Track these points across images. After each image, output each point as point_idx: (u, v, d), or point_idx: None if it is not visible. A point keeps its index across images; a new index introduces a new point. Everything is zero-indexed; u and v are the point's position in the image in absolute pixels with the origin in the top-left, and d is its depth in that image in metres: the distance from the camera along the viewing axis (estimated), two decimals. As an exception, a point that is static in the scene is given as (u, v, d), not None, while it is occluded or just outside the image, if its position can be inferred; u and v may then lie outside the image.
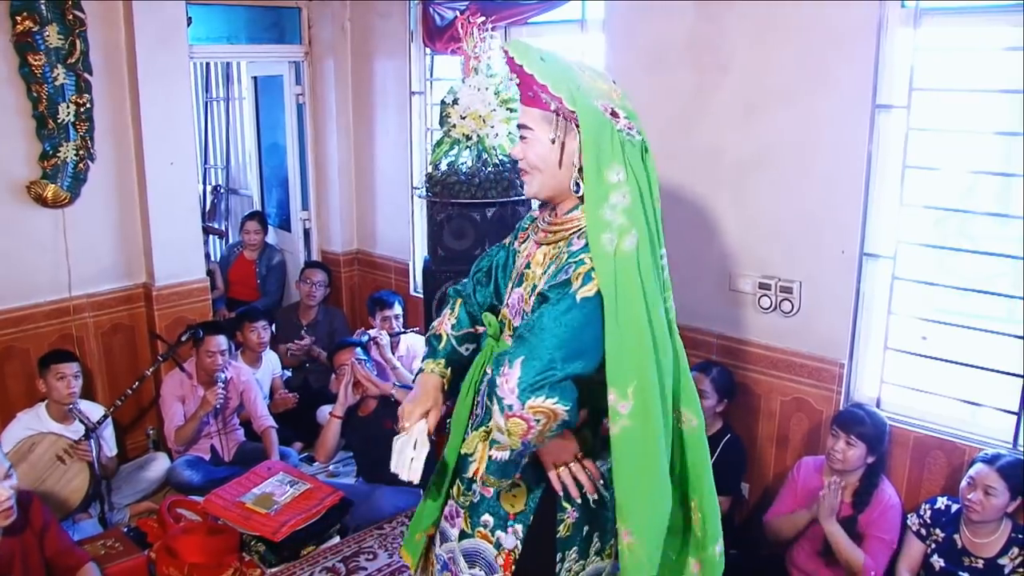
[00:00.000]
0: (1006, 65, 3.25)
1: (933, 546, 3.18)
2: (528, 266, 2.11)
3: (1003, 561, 3.01)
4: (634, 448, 1.91)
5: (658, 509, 1.97)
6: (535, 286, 2.04)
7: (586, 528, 2.14)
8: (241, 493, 3.98)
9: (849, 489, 3.37)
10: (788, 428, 3.81)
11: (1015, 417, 3.23)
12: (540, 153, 2.01)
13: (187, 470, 4.52)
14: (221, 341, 4.63)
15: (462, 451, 2.13)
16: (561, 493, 2.05)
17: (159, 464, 4.65)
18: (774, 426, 3.86)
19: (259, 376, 5.06)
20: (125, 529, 4.05)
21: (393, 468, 2.07)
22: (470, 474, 2.04)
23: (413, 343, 5.11)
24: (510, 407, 1.83)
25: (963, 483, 3.07)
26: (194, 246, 5.08)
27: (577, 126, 1.93)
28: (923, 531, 3.22)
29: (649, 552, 1.97)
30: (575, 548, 2.13)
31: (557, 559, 2.11)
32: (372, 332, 4.98)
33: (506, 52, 2.00)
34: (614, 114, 1.94)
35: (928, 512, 3.23)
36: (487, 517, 2.16)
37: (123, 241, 4.83)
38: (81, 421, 4.12)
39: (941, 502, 3.22)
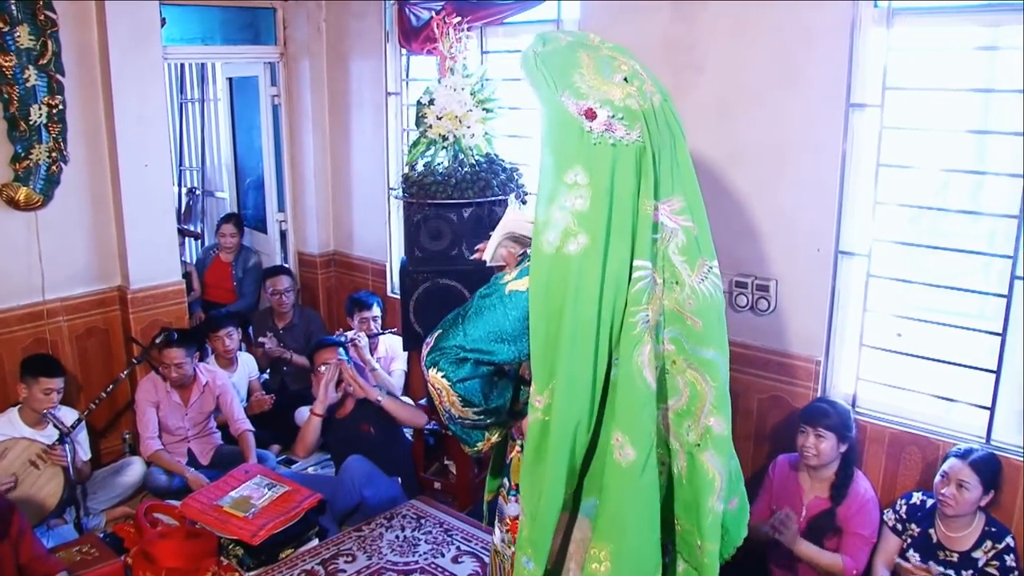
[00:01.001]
0: (978, 64, 3.30)
1: (909, 541, 3.22)
2: None
3: (977, 554, 3.05)
4: (541, 440, 1.94)
5: (544, 499, 1.94)
6: None
7: None
8: (218, 497, 3.95)
9: (825, 484, 3.40)
10: (765, 425, 3.84)
11: (988, 412, 3.27)
12: None
13: (164, 474, 4.50)
14: (178, 354, 4.58)
15: None
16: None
17: (135, 468, 4.61)
18: (751, 424, 3.88)
19: (236, 379, 5.04)
20: (101, 535, 4.01)
21: None
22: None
23: (392, 344, 5.11)
24: (424, 371, 1.99)
25: (937, 478, 3.11)
26: (169, 248, 5.04)
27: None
28: (899, 526, 3.26)
29: (532, 534, 1.98)
30: None
31: None
32: (350, 334, 4.96)
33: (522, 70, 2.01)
34: (589, 114, 1.86)
35: (903, 507, 3.26)
36: (506, 481, 2.27)
37: (97, 244, 4.79)
38: (55, 426, 4.08)
39: (916, 497, 3.25)
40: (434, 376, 1.98)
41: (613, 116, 1.86)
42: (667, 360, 1.99)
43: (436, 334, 2.00)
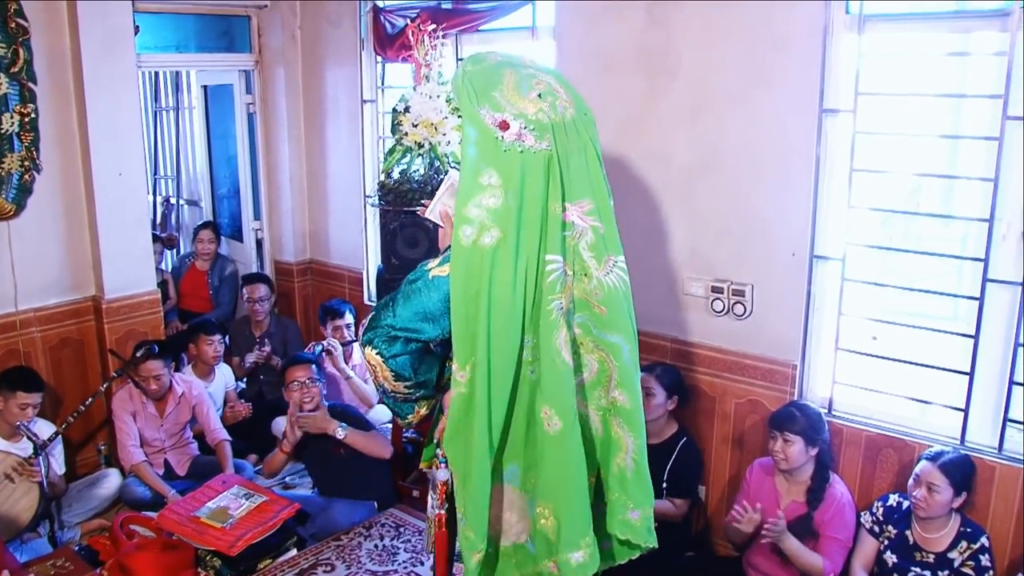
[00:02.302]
0: (949, 70, 3.34)
1: (886, 542, 3.24)
2: None
3: (952, 555, 3.08)
4: (463, 410, 2.21)
5: (473, 464, 2.21)
6: None
7: None
8: (195, 508, 3.92)
9: (801, 487, 3.41)
10: (743, 430, 3.85)
11: (962, 414, 3.30)
12: None
13: (140, 486, 4.45)
14: (156, 366, 4.53)
15: None
16: None
17: (111, 481, 4.57)
18: (729, 428, 3.89)
19: (212, 389, 5.00)
20: (76, 548, 3.97)
21: None
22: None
23: (367, 352, 5.08)
24: (361, 348, 2.27)
25: (910, 481, 3.14)
26: (144, 258, 5.00)
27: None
28: (876, 528, 3.28)
29: (463, 494, 2.26)
30: None
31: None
32: (325, 343, 4.94)
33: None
34: (503, 125, 2.12)
35: (880, 509, 3.29)
36: (437, 451, 2.49)
37: (71, 253, 4.74)
38: (30, 438, 4.03)
39: (893, 499, 3.28)
40: (369, 353, 2.28)
41: (525, 127, 2.13)
42: (576, 342, 2.29)
43: (371, 316, 2.29)
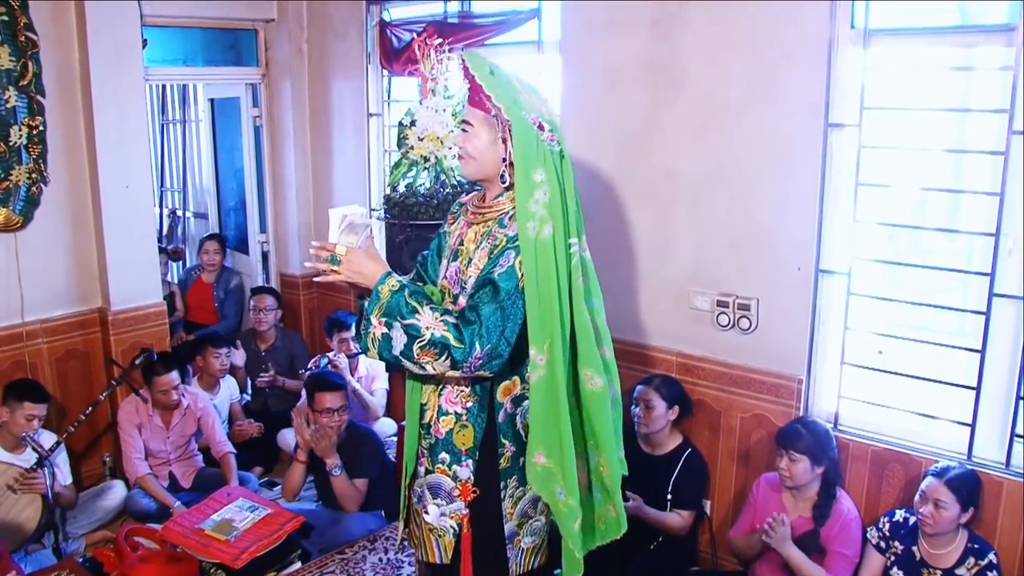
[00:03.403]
0: (954, 84, 3.34)
1: (892, 558, 3.22)
2: (462, 243, 2.52)
3: (960, 571, 3.05)
4: (547, 390, 2.37)
5: (565, 436, 2.38)
6: (471, 259, 2.46)
7: (522, 459, 2.52)
8: (200, 520, 3.92)
9: (808, 503, 3.40)
10: (748, 444, 3.84)
11: (968, 429, 3.29)
12: (477, 147, 2.42)
13: (145, 497, 4.45)
14: (173, 378, 4.54)
15: (421, 400, 2.58)
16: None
17: (116, 492, 4.57)
18: (734, 442, 3.88)
19: (217, 401, 5.00)
20: (80, 559, 3.95)
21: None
22: (425, 420, 2.56)
23: (372, 364, 5.09)
24: (461, 369, 2.29)
25: (916, 496, 3.12)
26: (150, 270, 5.02)
27: (511, 132, 2.33)
28: (882, 544, 3.26)
29: (562, 468, 2.40)
30: (515, 476, 2.53)
31: (500, 486, 2.52)
32: (331, 355, 4.95)
33: (463, 60, 2.40)
34: (540, 126, 2.34)
35: (887, 525, 3.27)
36: (444, 455, 2.53)
37: (77, 265, 4.76)
38: (34, 449, 4.04)
39: (899, 515, 3.26)
40: (480, 372, 2.34)
41: (551, 129, 2.36)
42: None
43: (485, 348, 2.28)
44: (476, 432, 2.51)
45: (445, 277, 2.56)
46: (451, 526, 2.55)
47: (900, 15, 3.32)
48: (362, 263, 2.39)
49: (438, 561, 2.59)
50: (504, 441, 2.53)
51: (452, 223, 2.66)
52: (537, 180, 2.31)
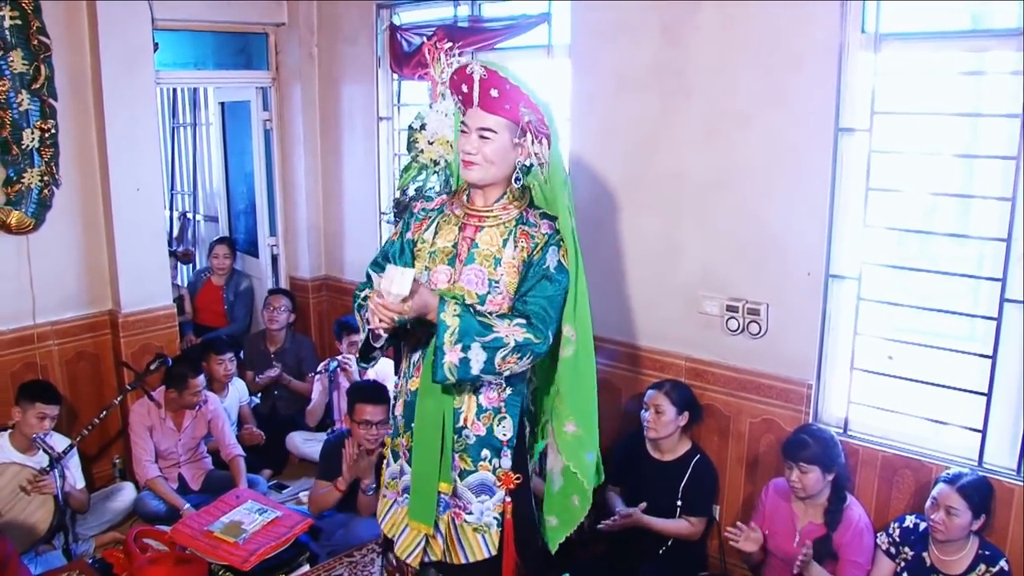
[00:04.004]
0: (965, 89, 3.33)
1: (903, 564, 3.21)
2: (475, 246, 2.58)
3: (971, 578, 3.04)
4: (582, 362, 2.65)
5: (593, 402, 2.73)
6: (498, 259, 2.56)
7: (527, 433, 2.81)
8: (209, 522, 3.93)
9: (818, 509, 3.39)
10: (757, 449, 3.83)
11: (979, 435, 3.27)
12: (499, 152, 2.51)
13: (154, 499, 4.47)
14: (200, 381, 4.59)
15: (455, 405, 2.61)
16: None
17: (126, 494, 4.59)
18: (743, 448, 3.88)
19: (226, 404, 5.01)
20: (90, 560, 3.97)
21: (382, 286, 2.34)
22: (459, 424, 2.61)
23: (381, 367, 5.08)
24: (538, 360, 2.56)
25: (927, 503, 3.11)
26: (160, 273, 5.04)
27: (547, 137, 2.50)
28: (892, 549, 3.25)
29: (589, 432, 2.73)
30: (531, 452, 2.86)
31: (529, 466, 2.80)
32: (340, 358, 4.95)
33: (492, 69, 2.46)
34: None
35: (897, 531, 3.25)
36: (485, 451, 2.63)
37: (88, 268, 4.78)
38: (46, 451, 4.05)
39: (909, 520, 3.24)
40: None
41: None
42: None
43: (549, 331, 2.52)
44: (514, 421, 2.65)
45: (460, 281, 2.57)
46: (495, 518, 2.66)
47: (911, 19, 3.31)
48: (426, 298, 2.40)
49: (486, 555, 2.66)
50: (527, 422, 2.75)
51: (424, 228, 2.69)
52: (567, 180, 2.60)
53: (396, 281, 2.31)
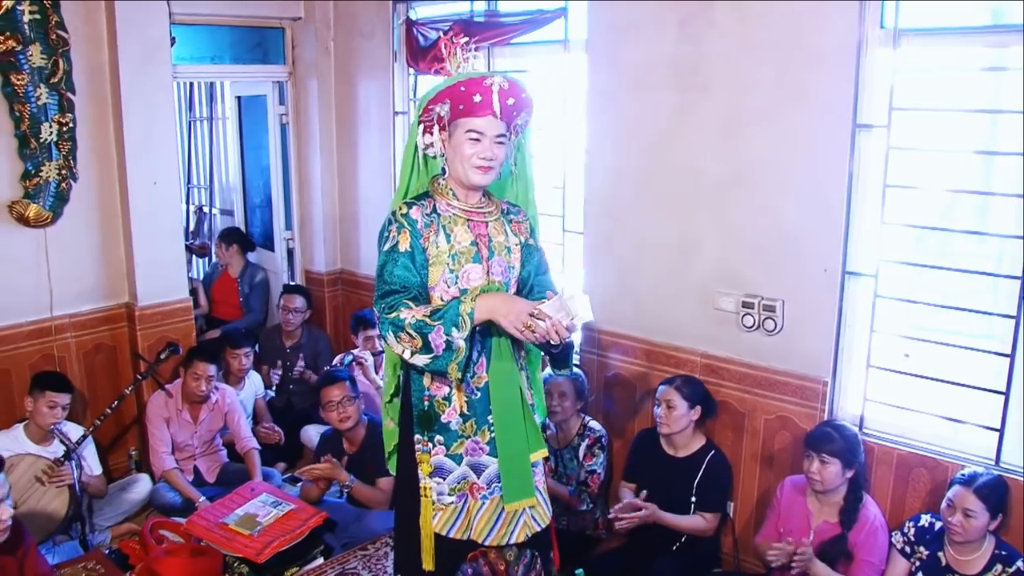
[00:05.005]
0: (984, 85, 3.30)
1: (917, 564, 3.19)
2: (490, 241, 2.72)
3: (987, 578, 3.02)
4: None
5: None
6: (509, 248, 2.76)
7: None
8: (224, 514, 3.95)
9: (834, 508, 3.37)
10: (772, 446, 3.82)
11: (997, 434, 3.25)
12: (504, 155, 2.70)
13: (170, 491, 4.49)
14: (210, 368, 4.58)
15: (520, 385, 2.78)
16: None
17: (141, 486, 4.61)
18: (758, 444, 3.86)
19: (242, 397, 5.03)
20: (107, 551, 4.00)
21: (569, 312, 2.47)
22: (529, 401, 2.84)
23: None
24: None
25: (943, 504, 3.08)
26: (177, 266, 5.06)
27: (523, 141, 2.86)
28: (907, 549, 3.23)
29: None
30: None
31: None
32: (355, 352, 4.95)
33: (515, 83, 2.65)
34: None
35: (912, 530, 3.23)
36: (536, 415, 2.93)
37: (105, 261, 4.81)
38: (62, 442, 4.08)
39: (925, 519, 3.22)
40: None
41: None
42: None
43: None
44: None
45: (490, 275, 2.71)
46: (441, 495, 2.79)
47: (930, 15, 3.28)
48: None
49: (549, 518, 2.90)
50: None
51: (433, 233, 2.67)
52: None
53: (583, 308, 2.49)
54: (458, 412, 2.72)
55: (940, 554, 3.12)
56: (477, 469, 2.76)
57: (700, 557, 3.81)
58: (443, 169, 2.76)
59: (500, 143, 2.64)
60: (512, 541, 2.78)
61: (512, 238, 2.78)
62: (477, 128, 2.62)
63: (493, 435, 2.73)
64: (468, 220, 2.70)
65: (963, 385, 3.34)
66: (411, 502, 2.78)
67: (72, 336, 4.73)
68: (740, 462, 3.93)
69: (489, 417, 2.73)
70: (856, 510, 3.32)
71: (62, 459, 4.06)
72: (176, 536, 3.98)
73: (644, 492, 3.76)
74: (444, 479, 2.74)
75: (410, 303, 2.58)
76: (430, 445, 2.74)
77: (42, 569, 3.23)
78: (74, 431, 4.25)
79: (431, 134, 2.70)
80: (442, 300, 2.64)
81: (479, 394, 2.72)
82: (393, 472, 3.02)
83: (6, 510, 2.87)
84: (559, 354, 2.68)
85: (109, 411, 4.38)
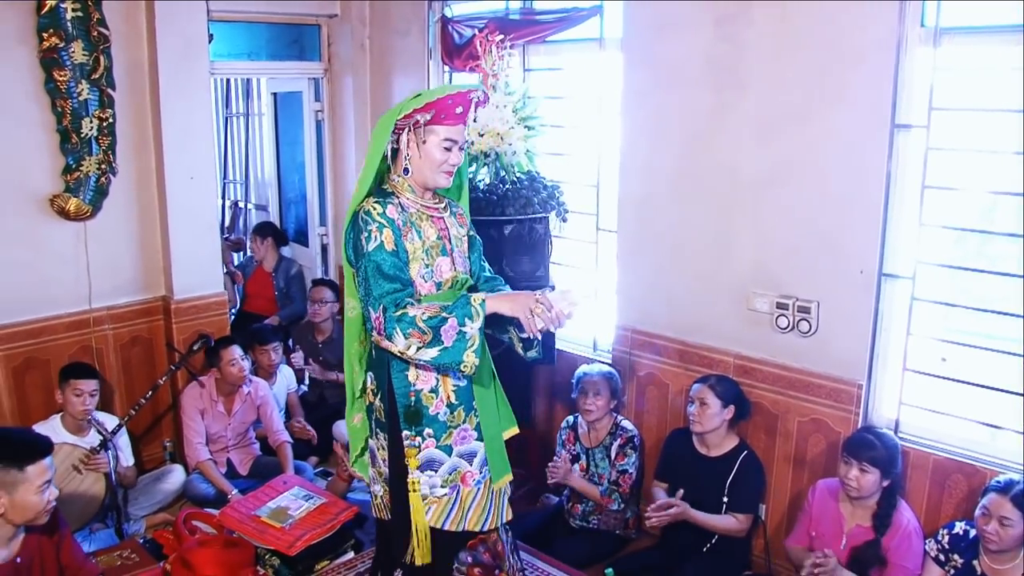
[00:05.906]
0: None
1: (952, 572, 3.14)
2: (449, 233, 2.85)
3: (1024, 587, 2.97)
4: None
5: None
6: (461, 240, 2.92)
7: None
8: (256, 507, 3.99)
9: (867, 512, 3.33)
10: (806, 449, 3.79)
11: (1035, 440, 3.20)
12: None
13: (203, 483, 4.54)
14: (235, 350, 4.64)
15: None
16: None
17: (176, 476, 4.67)
18: (791, 447, 3.83)
19: (275, 391, 5.07)
20: (141, 540, 4.05)
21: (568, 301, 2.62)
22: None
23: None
24: None
25: (977, 512, 3.02)
26: (212, 260, 5.11)
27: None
28: (941, 556, 3.18)
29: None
30: None
31: None
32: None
33: (486, 93, 2.86)
34: None
35: (946, 537, 3.18)
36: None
37: (143, 254, 4.87)
38: (98, 431, 4.15)
39: (959, 527, 3.17)
40: None
41: None
42: None
43: None
44: None
45: (457, 268, 2.86)
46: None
47: (972, 13, 3.23)
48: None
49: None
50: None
51: (409, 231, 2.76)
52: None
53: (577, 300, 2.64)
54: (445, 403, 2.80)
55: (975, 563, 3.07)
56: (468, 456, 2.84)
57: (731, 559, 3.78)
58: (395, 168, 2.85)
59: (462, 148, 2.78)
60: (506, 519, 2.95)
61: (460, 230, 2.93)
62: (452, 137, 2.73)
63: (479, 419, 2.86)
64: (431, 216, 2.83)
65: (1001, 390, 3.29)
66: (402, 497, 2.84)
67: (110, 328, 4.80)
68: (772, 464, 3.90)
69: (474, 403, 2.86)
70: (890, 515, 3.28)
71: (98, 447, 4.12)
72: (209, 527, 4.02)
73: (680, 491, 3.74)
74: (436, 471, 2.80)
75: (413, 300, 2.65)
76: (420, 439, 2.78)
77: (77, 555, 3.28)
78: (109, 421, 4.32)
79: (401, 135, 2.75)
80: (420, 294, 2.75)
81: (465, 382, 2.83)
82: (360, 473, 3.15)
83: (53, 491, 2.93)
84: (533, 339, 2.80)
85: (144, 401, 4.43)
